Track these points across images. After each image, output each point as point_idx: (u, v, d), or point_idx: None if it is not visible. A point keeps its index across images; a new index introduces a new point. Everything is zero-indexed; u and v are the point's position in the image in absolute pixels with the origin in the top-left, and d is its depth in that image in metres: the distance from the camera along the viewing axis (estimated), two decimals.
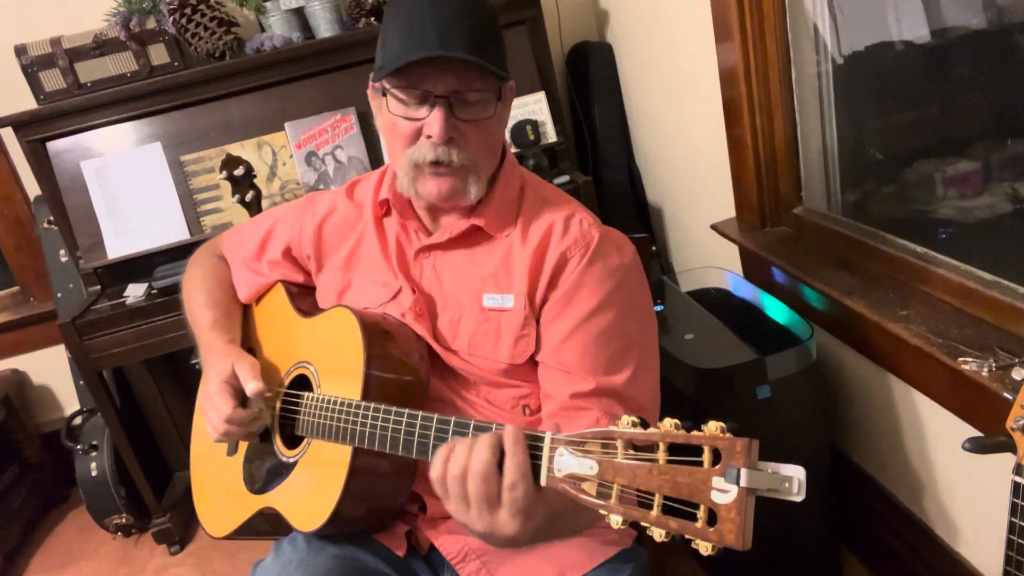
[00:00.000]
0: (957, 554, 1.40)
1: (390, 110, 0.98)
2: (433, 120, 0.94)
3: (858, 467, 1.66)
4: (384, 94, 0.99)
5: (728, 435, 0.58)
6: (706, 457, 0.59)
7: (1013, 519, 0.89)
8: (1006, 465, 0.89)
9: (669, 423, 0.62)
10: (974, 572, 1.36)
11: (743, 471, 0.57)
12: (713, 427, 0.59)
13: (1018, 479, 0.88)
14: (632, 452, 0.63)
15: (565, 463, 0.68)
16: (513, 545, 0.76)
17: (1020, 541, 0.89)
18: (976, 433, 1.09)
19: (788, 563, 1.61)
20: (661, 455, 0.61)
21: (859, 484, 1.65)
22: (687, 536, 0.59)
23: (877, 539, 1.64)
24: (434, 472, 0.75)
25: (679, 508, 0.60)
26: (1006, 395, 1.01)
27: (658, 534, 0.61)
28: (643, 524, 0.62)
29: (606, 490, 0.64)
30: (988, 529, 1.30)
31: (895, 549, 1.57)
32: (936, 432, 1.37)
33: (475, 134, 0.97)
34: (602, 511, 0.64)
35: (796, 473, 0.56)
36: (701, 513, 0.59)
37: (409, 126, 0.97)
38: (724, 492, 0.57)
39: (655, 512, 0.61)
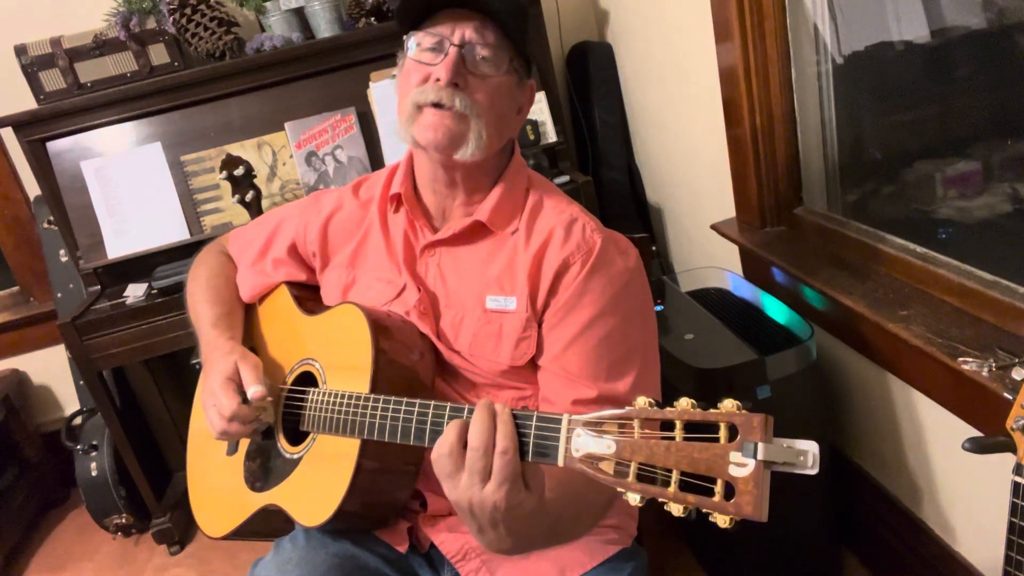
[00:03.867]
0: (957, 554, 1.40)
1: (407, 55, 1.00)
2: (443, 64, 0.96)
3: (858, 467, 1.66)
4: (406, 50, 1.01)
5: (744, 411, 0.60)
6: (722, 433, 0.61)
7: (1013, 519, 0.89)
8: (1006, 465, 0.89)
9: (686, 402, 0.63)
10: (974, 572, 1.36)
11: (760, 445, 0.59)
12: (729, 404, 0.61)
13: (1018, 479, 0.88)
14: (648, 431, 0.65)
15: (583, 443, 0.69)
16: (498, 532, 0.77)
17: (1020, 541, 0.89)
18: (976, 433, 1.09)
19: (788, 563, 1.61)
20: (678, 433, 0.63)
21: (859, 484, 1.65)
22: (705, 510, 0.61)
23: (877, 539, 1.64)
24: (435, 451, 0.77)
25: (696, 484, 0.62)
26: (1006, 395, 1.01)
27: (676, 509, 0.62)
28: (660, 500, 0.63)
29: (623, 468, 0.66)
30: (988, 529, 1.30)
31: (895, 549, 1.57)
32: (936, 432, 1.38)
33: (482, 90, 0.97)
34: (620, 489, 0.66)
35: (810, 447, 0.58)
36: (718, 487, 0.60)
37: (420, 71, 0.98)
38: (742, 466, 0.59)
39: (673, 488, 0.62)
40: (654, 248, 2.56)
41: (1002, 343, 1.12)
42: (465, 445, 0.75)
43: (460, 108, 0.96)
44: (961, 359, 1.12)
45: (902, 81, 1.48)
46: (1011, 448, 0.87)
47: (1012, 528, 0.90)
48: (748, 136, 1.68)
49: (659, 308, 1.80)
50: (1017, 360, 1.02)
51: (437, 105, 0.96)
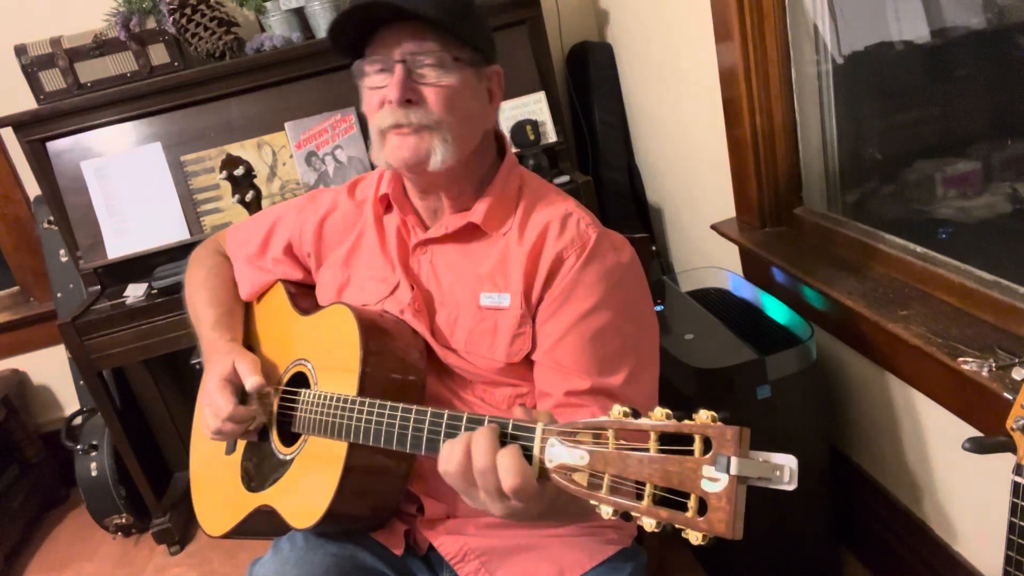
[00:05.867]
0: (957, 554, 1.40)
1: (365, 86, 1.00)
2: (390, 85, 0.96)
3: (858, 467, 1.66)
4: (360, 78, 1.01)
5: (719, 423, 0.58)
6: (697, 446, 0.58)
7: (1013, 519, 0.89)
8: (1006, 465, 0.89)
9: (660, 413, 0.61)
10: (974, 572, 1.36)
11: (733, 459, 0.56)
12: (704, 416, 0.58)
13: (1018, 479, 0.88)
14: (623, 442, 0.63)
15: (556, 453, 0.68)
16: (534, 515, 0.76)
17: (1020, 541, 0.89)
18: (976, 433, 1.09)
19: (788, 563, 1.61)
20: (652, 444, 0.61)
21: (859, 484, 1.65)
22: (677, 526, 0.59)
23: (877, 539, 1.64)
24: (440, 467, 0.76)
25: (670, 498, 0.60)
26: (1006, 395, 1.01)
27: (648, 524, 0.60)
28: (633, 514, 0.61)
29: (597, 480, 0.64)
30: (988, 529, 1.30)
31: (895, 549, 1.57)
32: (936, 432, 1.37)
33: (436, 97, 0.97)
34: (592, 501, 0.64)
35: (787, 462, 0.56)
36: (691, 503, 0.58)
37: (375, 97, 0.99)
38: (714, 481, 0.57)
39: (645, 502, 0.60)
40: (654, 248, 2.56)
41: (1002, 343, 1.12)
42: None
43: (417, 122, 0.96)
44: (961, 359, 1.11)
45: (902, 81, 1.48)
46: (1011, 448, 0.87)
47: (1012, 528, 0.89)
48: (748, 136, 1.68)
49: (659, 308, 1.80)
50: (1017, 360, 1.02)
51: (397, 126, 0.97)
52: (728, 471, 0.56)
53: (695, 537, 0.58)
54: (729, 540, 0.57)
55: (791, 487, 0.55)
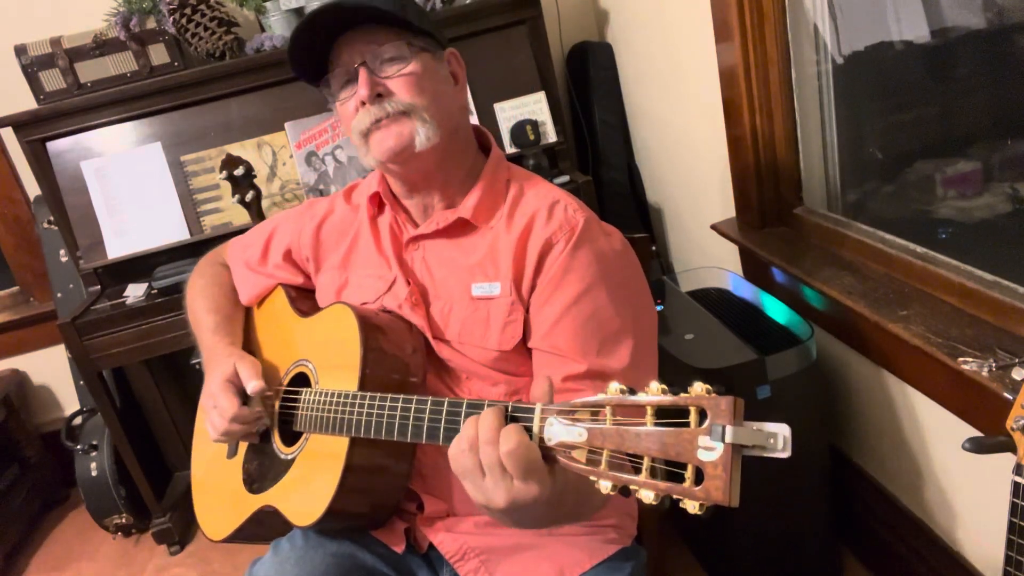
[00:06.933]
0: (957, 554, 1.40)
1: (337, 102, 1.04)
2: (358, 87, 0.99)
3: (858, 467, 1.66)
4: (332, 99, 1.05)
5: (713, 395, 0.59)
6: (692, 418, 0.60)
7: (1013, 519, 0.89)
8: (1006, 465, 0.89)
9: (656, 387, 0.62)
10: (974, 572, 1.36)
11: (728, 428, 0.57)
12: (699, 388, 0.60)
13: (1018, 479, 0.88)
14: (620, 418, 0.64)
15: (555, 432, 0.69)
16: (537, 513, 0.75)
17: (1020, 541, 0.89)
18: (976, 433, 1.09)
19: (788, 563, 1.61)
20: (648, 419, 0.62)
21: (859, 484, 1.65)
22: (675, 496, 0.60)
23: (877, 539, 1.64)
24: (451, 451, 0.76)
25: (667, 470, 0.61)
26: (1006, 395, 1.01)
27: (647, 496, 0.61)
28: (632, 487, 0.63)
29: (596, 456, 0.65)
30: (988, 529, 1.31)
31: (895, 549, 1.57)
32: (936, 432, 1.38)
33: (401, 84, 1.00)
34: (592, 477, 0.65)
35: (781, 430, 0.57)
36: (688, 473, 0.59)
37: (349, 106, 1.01)
38: (710, 450, 0.58)
39: (643, 475, 0.62)
40: (654, 248, 2.56)
41: (1002, 343, 1.12)
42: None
43: (393, 110, 0.99)
44: (961, 359, 1.11)
45: (902, 81, 1.48)
46: (1011, 448, 0.87)
47: (1012, 528, 0.90)
48: (748, 136, 1.68)
49: (659, 308, 1.80)
50: (1017, 360, 1.02)
51: (376, 122, 0.99)
52: (723, 439, 0.57)
53: (692, 506, 0.59)
54: (727, 508, 0.57)
55: (785, 455, 0.56)
